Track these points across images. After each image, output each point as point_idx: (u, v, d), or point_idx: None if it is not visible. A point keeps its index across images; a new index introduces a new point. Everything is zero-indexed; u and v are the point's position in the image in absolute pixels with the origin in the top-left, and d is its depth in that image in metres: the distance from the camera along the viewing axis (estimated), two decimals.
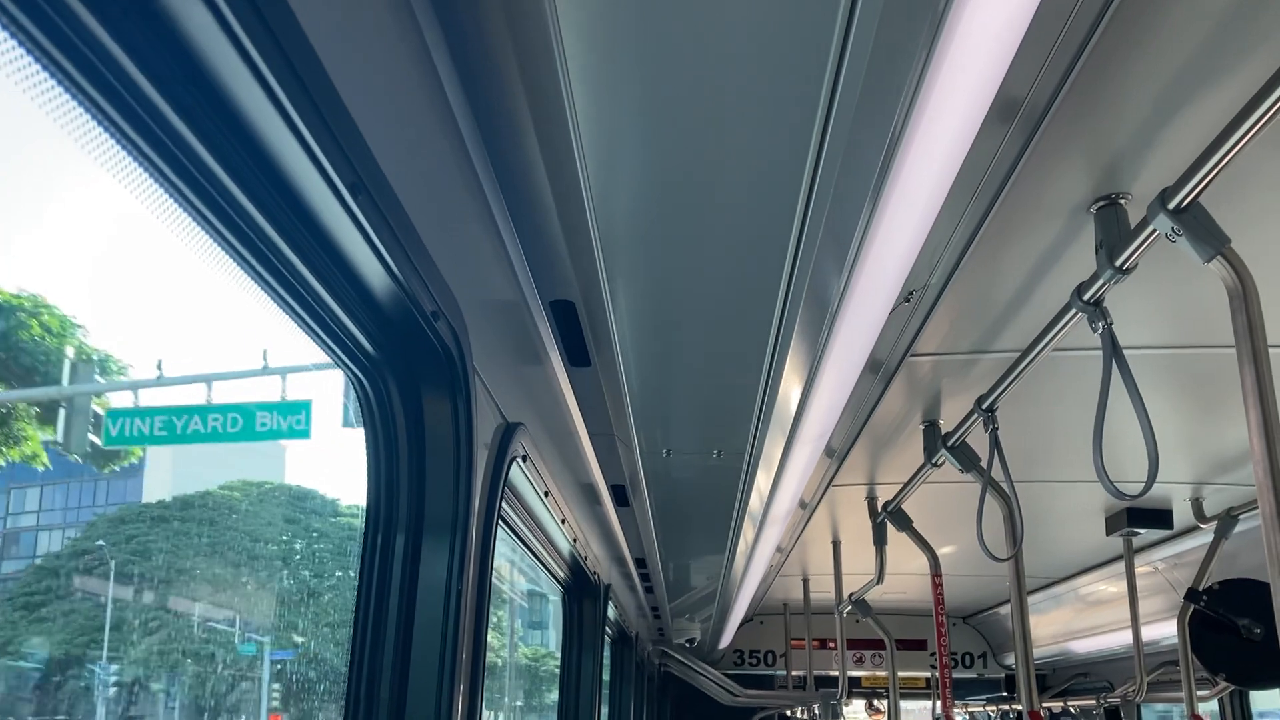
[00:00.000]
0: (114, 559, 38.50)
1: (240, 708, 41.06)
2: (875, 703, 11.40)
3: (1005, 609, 9.35)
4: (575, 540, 3.67)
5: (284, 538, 42.94)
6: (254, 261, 1.18)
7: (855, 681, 10.82)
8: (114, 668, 37.61)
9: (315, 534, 43.72)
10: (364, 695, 1.60)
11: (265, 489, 44.38)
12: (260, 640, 39.85)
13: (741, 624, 9.99)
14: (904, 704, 10.14)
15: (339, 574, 42.68)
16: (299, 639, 40.71)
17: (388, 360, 1.58)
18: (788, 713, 11.13)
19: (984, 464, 3.83)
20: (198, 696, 39.37)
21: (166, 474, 53.37)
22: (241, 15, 0.85)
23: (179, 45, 0.88)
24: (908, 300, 2.86)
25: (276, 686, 40.59)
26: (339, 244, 1.24)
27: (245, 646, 39.54)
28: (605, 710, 6.66)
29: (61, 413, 17.70)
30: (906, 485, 4.89)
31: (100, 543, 39.61)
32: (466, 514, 1.70)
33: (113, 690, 37.88)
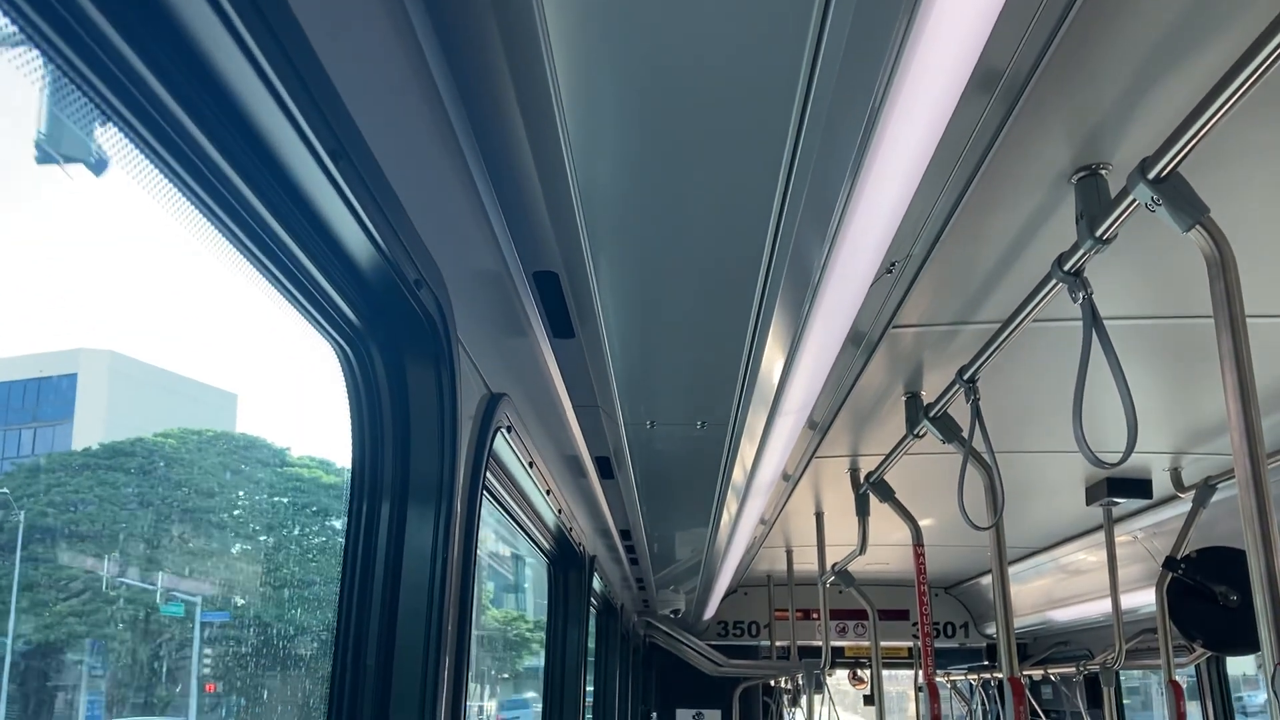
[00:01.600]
0: (25, 510, 34.65)
1: (166, 676, 36.95)
2: (858, 672, 11.52)
3: (986, 579, 9.44)
4: (560, 511, 3.69)
5: (225, 489, 39.94)
6: (236, 229, 1.18)
7: (838, 651, 10.92)
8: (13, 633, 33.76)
9: (260, 485, 40.73)
10: (350, 662, 1.61)
11: (206, 437, 40.82)
12: (191, 600, 36.10)
13: (725, 595, 10.07)
14: (886, 673, 10.25)
15: (284, 529, 39.86)
16: (238, 600, 37.33)
17: (371, 330, 1.58)
18: (772, 683, 11.23)
19: (965, 434, 3.86)
20: (115, 664, 35.82)
21: (100, 421, 49.15)
22: None
23: (157, 7, 0.88)
24: (890, 272, 2.87)
25: (209, 652, 36.95)
26: (320, 210, 1.24)
27: (171, 607, 35.68)
28: (591, 680, 6.71)
29: None
30: (889, 456, 4.93)
31: (3, 491, 35.64)
32: (451, 484, 1.71)
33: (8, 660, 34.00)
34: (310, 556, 40.29)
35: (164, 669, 37.14)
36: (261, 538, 39.78)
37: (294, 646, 37.40)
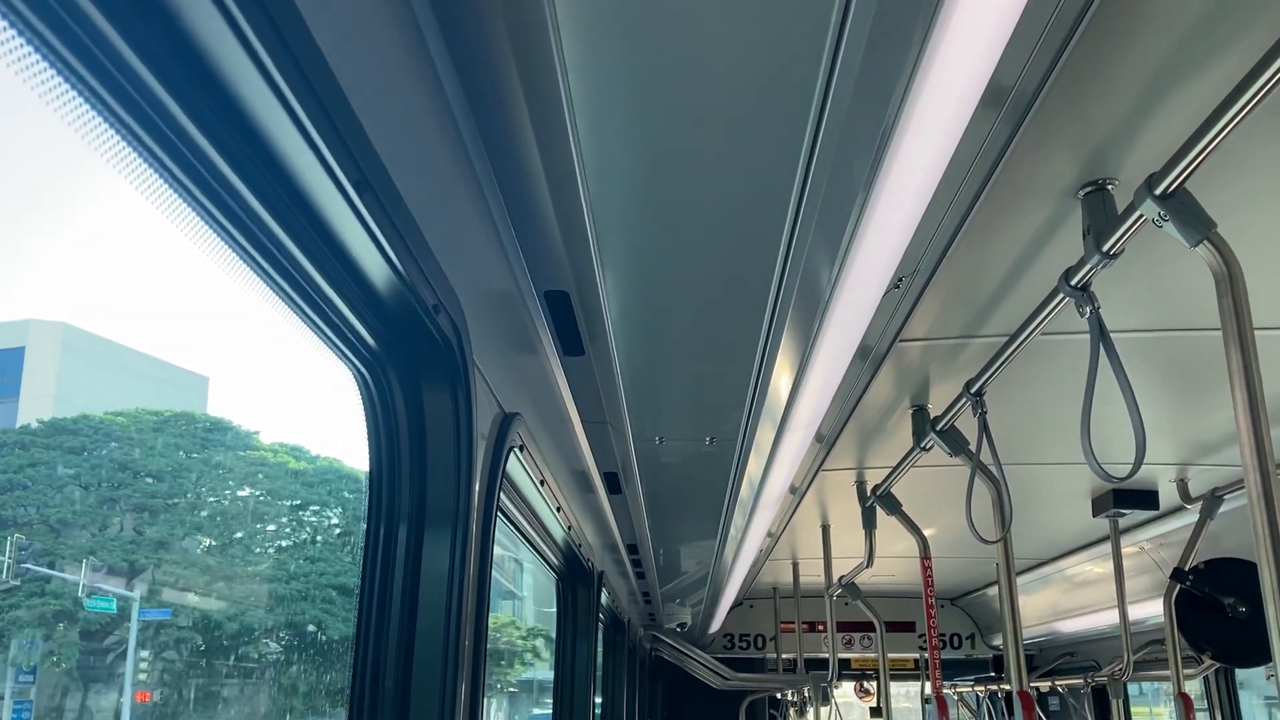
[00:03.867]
0: None
1: (91, 683, 32.23)
2: (865, 684, 11.50)
3: (993, 590, 9.43)
4: (570, 528, 3.70)
5: (176, 473, 35.71)
6: (260, 259, 1.19)
7: (845, 664, 10.90)
8: None
9: (219, 470, 36.71)
10: (369, 683, 1.61)
11: (164, 417, 37.34)
12: (127, 596, 31.55)
13: (732, 608, 10.05)
14: (893, 685, 10.23)
15: (243, 519, 36.15)
16: (186, 596, 33.20)
17: (389, 354, 1.60)
18: (778, 695, 11.20)
19: (972, 447, 3.86)
20: (45, 668, 31.64)
21: (48, 399, 44.87)
22: (251, 18, 0.86)
23: (188, 47, 0.89)
24: (897, 286, 2.88)
25: (146, 655, 32.50)
26: (344, 240, 1.25)
27: (98, 602, 30.77)
28: (597, 695, 6.70)
29: None
30: (895, 469, 4.93)
31: None
32: (467, 504, 1.72)
33: None
34: (273, 548, 36.96)
35: (89, 674, 32.73)
36: (212, 526, 36.11)
37: (248, 649, 33.90)
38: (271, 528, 37.94)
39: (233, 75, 0.92)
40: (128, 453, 35.24)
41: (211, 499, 37.21)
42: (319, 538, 37.41)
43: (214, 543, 36.61)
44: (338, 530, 38.22)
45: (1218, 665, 5.86)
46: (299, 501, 37.33)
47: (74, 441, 34.69)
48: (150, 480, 35.42)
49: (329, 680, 34.79)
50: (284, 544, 37.53)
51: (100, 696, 33.10)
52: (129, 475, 35.01)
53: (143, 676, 32.53)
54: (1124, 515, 5.65)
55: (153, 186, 1.00)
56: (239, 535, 36.98)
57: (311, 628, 34.24)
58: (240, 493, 37.70)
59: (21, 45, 0.80)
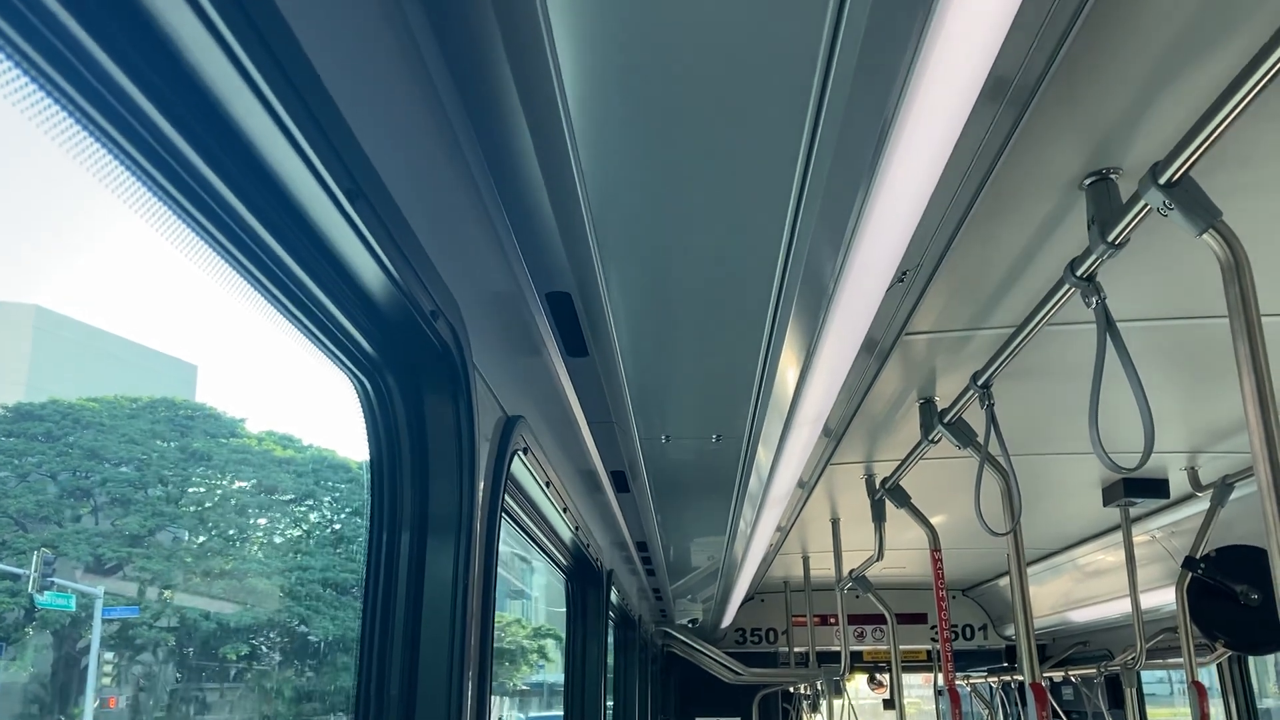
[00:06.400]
0: None
1: (50, 688, 29.82)
2: (877, 676, 11.49)
3: (1004, 581, 9.41)
4: (577, 528, 3.69)
5: (150, 461, 33.71)
6: (253, 269, 1.18)
7: (857, 656, 10.89)
8: None
9: (197, 459, 34.80)
10: (374, 690, 1.61)
11: (142, 404, 35.38)
12: (89, 592, 29.08)
13: (743, 603, 10.04)
14: (905, 677, 10.22)
15: (219, 512, 34.15)
16: (159, 592, 31.04)
17: (388, 361, 1.59)
18: (791, 689, 11.20)
19: (981, 439, 3.85)
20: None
21: (19, 385, 42.49)
22: (233, 23, 0.85)
23: (171, 54, 0.88)
24: (901, 280, 2.86)
25: (111, 658, 30.53)
26: (338, 249, 1.24)
27: (53, 599, 27.79)
28: (609, 692, 6.69)
29: None
30: (904, 462, 4.91)
31: None
32: (470, 509, 1.71)
33: None
34: (253, 541, 35.60)
35: (47, 678, 30.43)
36: (187, 517, 34.21)
37: (225, 649, 32.08)
38: (263, 521, 36.59)
39: (216, 83, 0.91)
40: (98, 439, 33.25)
41: (188, 489, 35.11)
42: (310, 532, 36.42)
43: (191, 535, 34.86)
44: (328, 525, 37.10)
45: (1230, 653, 5.84)
46: (287, 492, 35.77)
47: (40, 428, 32.86)
48: (122, 467, 33.50)
49: (311, 686, 33.70)
50: (268, 536, 36.04)
51: (61, 701, 30.96)
52: (95, 462, 33.11)
53: (106, 680, 30.78)
54: (1134, 504, 5.63)
55: (144, 201, 0.99)
56: (222, 531, 35.29)
57: (301, 628, 33.03)
58: (222, 485, 35.78)
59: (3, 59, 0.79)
